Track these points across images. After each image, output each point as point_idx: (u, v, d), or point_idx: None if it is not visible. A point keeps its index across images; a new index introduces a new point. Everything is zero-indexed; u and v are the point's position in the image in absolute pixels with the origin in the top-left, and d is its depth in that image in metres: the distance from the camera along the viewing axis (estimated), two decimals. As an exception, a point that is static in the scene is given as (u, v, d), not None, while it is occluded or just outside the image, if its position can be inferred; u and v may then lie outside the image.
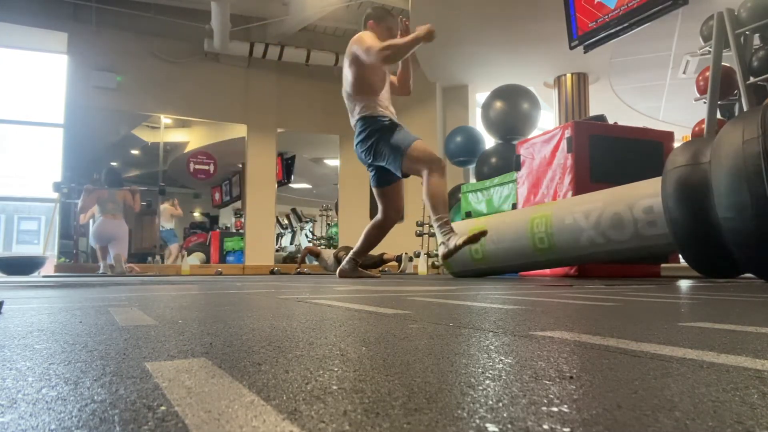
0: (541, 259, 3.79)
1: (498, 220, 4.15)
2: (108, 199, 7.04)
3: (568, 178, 4.32)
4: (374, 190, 4.12)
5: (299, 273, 7.65)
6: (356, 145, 3.94)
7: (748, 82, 4.36)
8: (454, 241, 3.41)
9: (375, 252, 7.87)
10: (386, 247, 8.14)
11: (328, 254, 8.76)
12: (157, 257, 9.18)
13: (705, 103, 4.62)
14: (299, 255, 9.56)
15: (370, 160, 3.90)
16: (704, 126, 4.57)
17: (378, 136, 3.79)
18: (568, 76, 8.22)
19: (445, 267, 4.25)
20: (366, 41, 3.73)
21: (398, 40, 3.64)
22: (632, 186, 3.40)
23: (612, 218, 3.31)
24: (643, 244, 3.25)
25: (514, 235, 3.86)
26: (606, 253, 3.46)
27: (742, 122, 2.36)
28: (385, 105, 3.91)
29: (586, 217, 3.43)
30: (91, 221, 7.44)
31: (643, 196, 3.21)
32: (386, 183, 4.05)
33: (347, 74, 3.90)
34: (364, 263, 7.84)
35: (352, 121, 3.95)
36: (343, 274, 4.18)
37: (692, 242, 2.73)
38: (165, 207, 9.36)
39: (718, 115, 4.66)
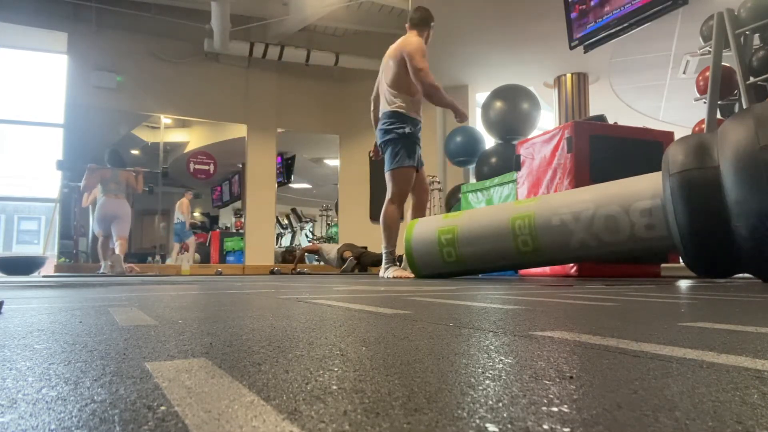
0: (525, 260, 3.59)
1: (471, 221, 3.73)
2: (111, 179, 7.04)
3: (568, 179, 4.32)
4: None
5: (298, 273, 7.64)
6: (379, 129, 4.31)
7: (748, 82, 4.37)
8: (389, 274, 4.09)
9: (377, 250, 7.88)
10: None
11: (329, 248, 8.70)
12: (158, 257, 9.17)
13: (705, 103, 4.62)
14: (297, 251, 9.54)
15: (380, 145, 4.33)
16: (704, 126, 4.58)
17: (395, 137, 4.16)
18: (568, 76, 8.22)
19: (411, 269, 4.25)
20: (417, 59, 4.00)
21: (442, 94, 4.04)
22: (623, 184, 3.19)
23: (606, 221, 3.06)
24: (640, 246, 3.10)
25: (493, 237, 3.54)
26: (599, 255, 3.32)
27: (754, 122, 2.26)
28: (417, 109, 4.23)
29: (576, 219, 3.15)
30: (90, 207, 7.45)
31: (639, 198, 3.01)
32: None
33: (392, 67, 4.16)
34: (364, 262, 7.85)
35: (387, 109, 4.24)
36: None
37: (703, 248, 2.61)
38: (183, 200, 9.53)
39: (718, 115, 4.67)
